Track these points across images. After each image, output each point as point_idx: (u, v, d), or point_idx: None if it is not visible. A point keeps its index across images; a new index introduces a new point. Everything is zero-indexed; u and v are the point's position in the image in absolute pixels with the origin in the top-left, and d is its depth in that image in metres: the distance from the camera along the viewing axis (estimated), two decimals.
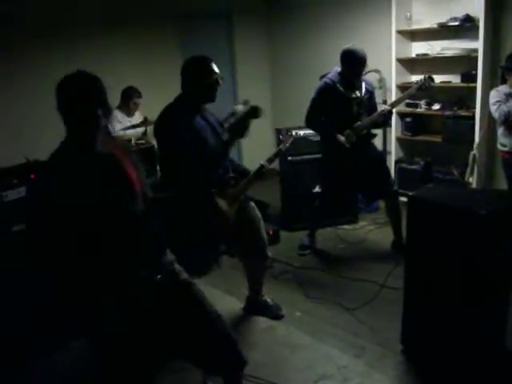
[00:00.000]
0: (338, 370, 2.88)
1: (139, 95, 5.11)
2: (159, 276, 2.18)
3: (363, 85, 4.21)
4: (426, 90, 4.23)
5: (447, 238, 2.61)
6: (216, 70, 2.99)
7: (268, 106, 7.23)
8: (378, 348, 3.07)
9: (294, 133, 3.61)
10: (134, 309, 2.11)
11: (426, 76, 4.11)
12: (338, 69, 4.16)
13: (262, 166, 3.24)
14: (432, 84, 4.15)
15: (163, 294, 2.20)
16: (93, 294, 2.06)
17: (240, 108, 3.25)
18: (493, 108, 4.17)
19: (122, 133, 4.85)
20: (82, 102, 1.96)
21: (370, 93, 4.28)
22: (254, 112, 3.05)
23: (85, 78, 2.02)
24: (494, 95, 4.18)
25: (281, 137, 3.63)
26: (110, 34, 5.58)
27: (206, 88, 2.96)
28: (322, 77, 4.28)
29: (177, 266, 2.34)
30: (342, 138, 4.11)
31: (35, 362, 3.04)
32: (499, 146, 4.32)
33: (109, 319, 2.08)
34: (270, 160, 3.32)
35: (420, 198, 2.86)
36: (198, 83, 2.94)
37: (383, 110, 4.11)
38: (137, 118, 5.12)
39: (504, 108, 4.05)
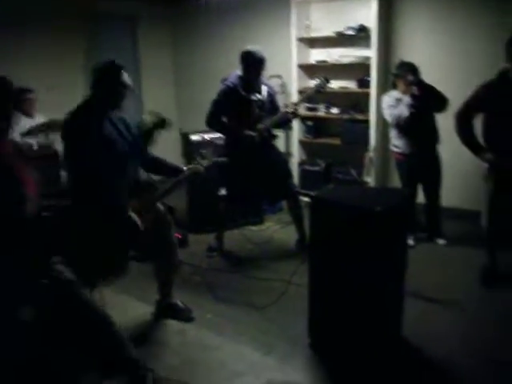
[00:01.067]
0: (249, 367, 2.95)
1: (29, 92, 4.80)
2: (44, 280, 2.20)
3: (264, 88, 4.33)
4: (323, 91, 4.43)
5: (347, 235, 2.77)
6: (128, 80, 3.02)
7: (173, 110, 7.24)
8: (288, 343, 3.17)
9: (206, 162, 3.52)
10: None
11: (322, 78, 4.32)
12: (239, 72, 4.26)
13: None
14: (328, 85, 4.37)
15: (47, 295, 2.21)
16: None
17: (147, 119, 3.25)
18: (386, 112, 4.44)
19: (22, 137, 4.60)
20: None
21: (271, 96, 4.40)
22: (161, 123, 3.10)
23: None
24: (386, 100, 4.44)
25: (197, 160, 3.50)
26: (13, 32, 5.36)
27: (117, 96, 2.99)
28: (224, 80, 4.37)
29: (59, 267, 2.33)
30: (249, 132, 4.19)
31: None
32: (392, 148, 4.59)
33: None
34: (165, 193, 3.27)
35: (321, 198, 3.01)
36: (111, 90, 2.95)
37: (288, 109, 4.25)
38: (38, 119, 4.86)
39: (395, 112, 4.31)
